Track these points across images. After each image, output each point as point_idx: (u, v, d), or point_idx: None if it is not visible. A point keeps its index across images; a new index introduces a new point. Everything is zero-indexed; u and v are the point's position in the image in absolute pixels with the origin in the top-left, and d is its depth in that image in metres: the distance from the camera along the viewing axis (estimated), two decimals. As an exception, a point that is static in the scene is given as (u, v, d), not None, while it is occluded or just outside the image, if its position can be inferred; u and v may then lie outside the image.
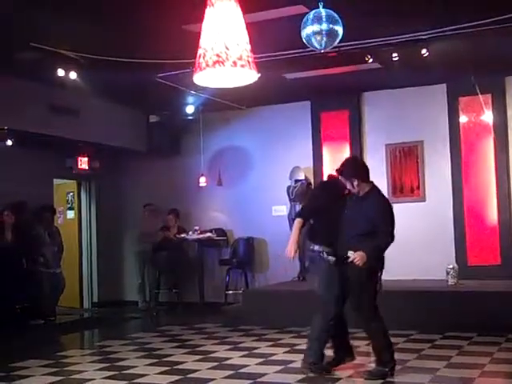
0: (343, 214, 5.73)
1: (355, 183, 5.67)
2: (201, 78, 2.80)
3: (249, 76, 2.80)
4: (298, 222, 5.82)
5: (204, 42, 2.66)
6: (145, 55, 7.81)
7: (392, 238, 5.58)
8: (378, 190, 5.83)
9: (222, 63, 2.57)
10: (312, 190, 6.15)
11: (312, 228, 5.97)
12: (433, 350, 6.93)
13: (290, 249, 5.76)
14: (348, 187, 5.74)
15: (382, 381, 5.54)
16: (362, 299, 5.65)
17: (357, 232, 5.57)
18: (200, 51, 2.65)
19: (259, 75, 2.81)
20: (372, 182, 5.79)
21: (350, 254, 5.48)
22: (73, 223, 12.18)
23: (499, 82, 9.80)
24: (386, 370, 5.65)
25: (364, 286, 5.62)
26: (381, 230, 5.50)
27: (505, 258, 9.59)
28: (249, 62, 2.63)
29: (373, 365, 5.83)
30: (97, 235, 12.16)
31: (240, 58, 2.59)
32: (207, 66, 2.60)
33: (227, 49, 2.56)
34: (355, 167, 5.85)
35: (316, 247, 5.84)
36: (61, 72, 8.34)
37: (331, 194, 5.96)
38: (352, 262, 5.46)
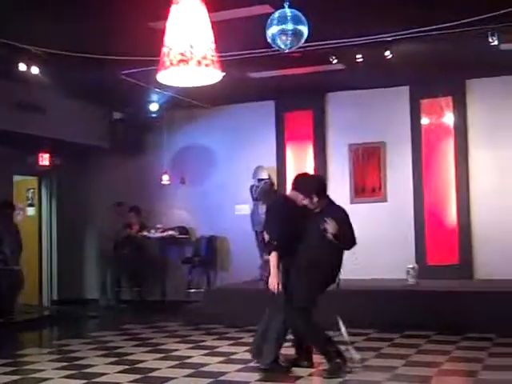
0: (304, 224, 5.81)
1: (315, 200, 5.76)
2: (165, 77, 2.79)
3: (213, 75, 2.80)
4: (274, 256, 5.83)
5: (169, 40, 2.65)
6: (109, 52, 7.74)
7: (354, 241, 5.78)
8: (332, 201, 5.94)
9: (187, 62, 2.56)
10: (271, 212, 6.15)
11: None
12: (392, 348, 7.02)
13: (273, 282, 5.81)
14: (306, 203, 5.81)
15: (340, 379, 5.60)
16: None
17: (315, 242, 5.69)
18: (164, 49, 2.64)
19: (223, 74, 2.81)
20: (328, 197, 5.92)
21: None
22: (33, 220, 12.00)
23: (460, 85, 9.96)
24: (338, 361, 5.73)
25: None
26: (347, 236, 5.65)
27: (463, 258, 9.76)
28: (213, 62, 2.63)
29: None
30: (57, 232, 12.00)
31: (204, 58, 2.59)
32: (171, 64, 2.58)
33: (192, 48, 2.56)
34: (315, 184, 5.93)
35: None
36: (23, 67, 8.21)
37: (290, 214, 5.94)
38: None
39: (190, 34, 2.60)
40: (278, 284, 5.81)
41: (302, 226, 5.83)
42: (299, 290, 5.75)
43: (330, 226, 5.51)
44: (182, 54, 2.56)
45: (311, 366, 6.12)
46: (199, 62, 2.58)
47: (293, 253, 5.77)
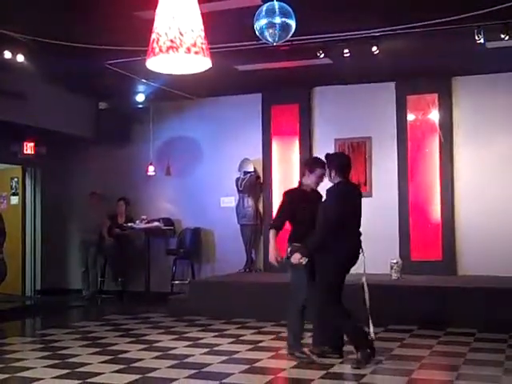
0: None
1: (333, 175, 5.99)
2: (154, 64, 2.77)
3: (202, 63, 2.79)
4: (272, 232, 6.20)
5: (158, 26, 2.64)
6: (95, 41, 7.69)
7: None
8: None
9: (176, 49, 2.55)
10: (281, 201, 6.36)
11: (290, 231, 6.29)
12: (375, 342, 7.05)
13: (272, 256, 6.16)
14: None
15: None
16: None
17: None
18: (154, 36, 2.63)
19: (210, 66, 2.81)
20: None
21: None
22: (16, 209, 11.92)
23: (446, 83, 10.02)
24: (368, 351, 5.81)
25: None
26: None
27: (446, 253, 9.83)
28: (203, 49, 2.62)
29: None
30: (41, 222, 11.93)
31: (194, 45, 2.58)
32: (160, 51, 2.57)
33: (181, 35, 2.55)
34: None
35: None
36: (7, 54, 8.13)
37: (294, 199, 6.18)
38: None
39: (180, 21, 2.59)
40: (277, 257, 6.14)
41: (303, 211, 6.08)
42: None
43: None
44: (171, 41, 2.55)
45: (341, 356, 6.15)
46: (189, 49, 2.57)
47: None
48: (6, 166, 11.65)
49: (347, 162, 6.17)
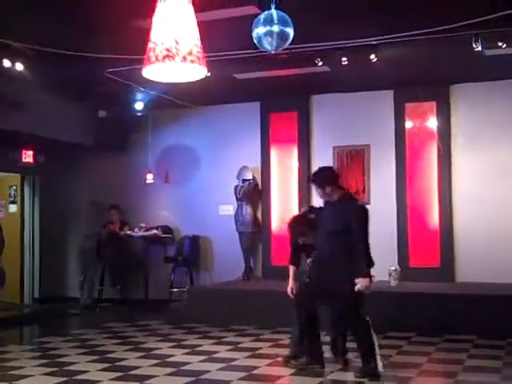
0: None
1: (327, 190, 5.95)
2: (150, 72, 2.80)
3: (198, 72, 2.81)
4: (291, 268, 6.49)
5: (154, 35, 2.66)
6: (94, 50, 7.72)
7: (367, 239, 5.92)
8: (351, 196, 6.34)
9: (172, 58, 2.58)
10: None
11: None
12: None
13: (289, 289, 6.36)
14: (319, 195, 6.14)
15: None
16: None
17: (327, 231, 5.91)
18: (150, 45, 2.66)
19: (208, 74, 2.83)
20: (343, 189, 6.20)
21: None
22: (15, 217, 11.92)
23: (444, 91, 10.04)
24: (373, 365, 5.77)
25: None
26: (358, 234, 5.84)
27: (444, 261, 9.84)
28: (198, 58, 2.65)
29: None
30: (40, 230, 11.93)
31: (190, 54, 2.61)
32: (157, 60, 2.60)
33: (177, 43, 2.57)
34: (327, 175, 6.17)
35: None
36: (7, 63, 8.16)
37: (298, 226, 6.54)
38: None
39: (176, 30, 2.62)
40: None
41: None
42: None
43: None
44: (167, 50, 2.58)
45: (322, 367, 6.07)
46: (184, 58, 2.59)
47: None
48: (4, 174, 11.66)
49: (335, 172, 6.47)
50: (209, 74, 2.83)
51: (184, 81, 2.95)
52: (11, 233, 11.10)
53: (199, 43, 2.67)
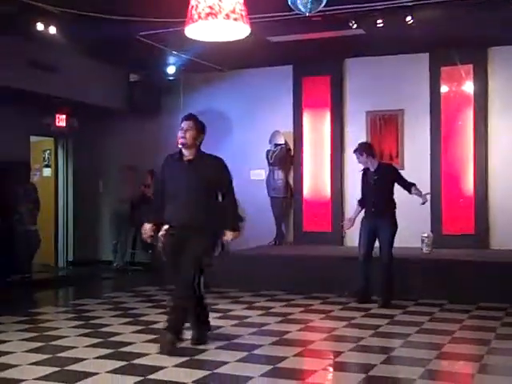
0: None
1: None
2: (192, 31, 2.71)
3: (241, 30, 2.72)
4: (356, 207, 8.17)
5: (196, -7, 2.59)
6: (127, 12, 7.67)
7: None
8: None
9: (215, 15, 2.51)
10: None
11: None
12: (405, 316, 7.04)
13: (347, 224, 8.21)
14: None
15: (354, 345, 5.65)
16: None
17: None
18: (192, 2, 2.58)
19: (248, 33, 2.76)
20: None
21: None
22: (49, 181, 12.06)
23: (481, 53, 9.80)
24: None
25: None
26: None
27: (478, 228, 9.72)
28: (242, 16, 2.57)
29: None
30: (73, 194, 12.07)
31: (233, 11, 2.54)
32: (199, 17, 2.53)
33: (220, 1, 2.50)
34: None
35: None
36: (40, 26, 8.15)
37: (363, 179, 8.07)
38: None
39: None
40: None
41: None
42: None
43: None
44: (210, 8, 2.51)
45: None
46: (228, 16, 2.52)
47: None
48: (38, 139, 11.75)
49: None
50: (250, 33, 2.74)
51: (227, 40, 2.87)
52: (45, 196, 11.24)
53: (242, 1, 2.60)
